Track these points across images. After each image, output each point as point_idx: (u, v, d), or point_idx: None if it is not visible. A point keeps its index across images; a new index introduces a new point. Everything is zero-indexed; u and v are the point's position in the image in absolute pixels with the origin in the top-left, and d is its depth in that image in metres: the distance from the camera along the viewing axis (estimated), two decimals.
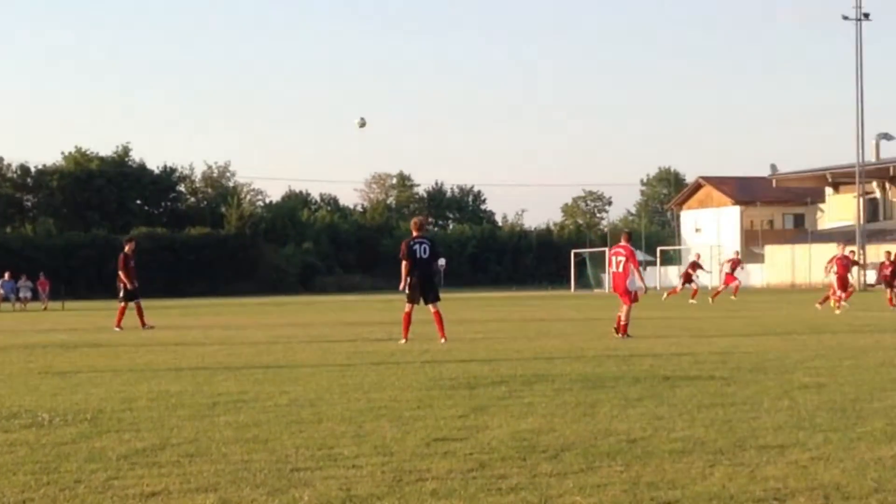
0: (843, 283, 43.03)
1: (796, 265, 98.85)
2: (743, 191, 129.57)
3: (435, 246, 26.01)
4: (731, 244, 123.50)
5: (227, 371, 18.61)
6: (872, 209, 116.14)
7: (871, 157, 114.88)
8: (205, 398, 14.49)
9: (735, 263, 58.27)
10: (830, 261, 44.31)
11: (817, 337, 25.66)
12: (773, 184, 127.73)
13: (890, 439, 10.36)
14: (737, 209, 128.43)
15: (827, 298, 43.79)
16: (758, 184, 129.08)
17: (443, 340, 24.92)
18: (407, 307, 25.58)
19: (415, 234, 25.60)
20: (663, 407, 12.90)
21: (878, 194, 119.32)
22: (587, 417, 12.17)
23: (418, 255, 25.31)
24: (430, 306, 25.46)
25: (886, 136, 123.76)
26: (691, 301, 55.31)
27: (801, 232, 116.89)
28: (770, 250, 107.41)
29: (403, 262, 25.32)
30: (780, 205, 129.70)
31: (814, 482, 8.55)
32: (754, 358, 19.58)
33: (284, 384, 16.16)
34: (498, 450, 10.17)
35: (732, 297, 57.08)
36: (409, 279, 25.32)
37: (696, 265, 59.08)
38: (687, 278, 59.21)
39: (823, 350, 21.23)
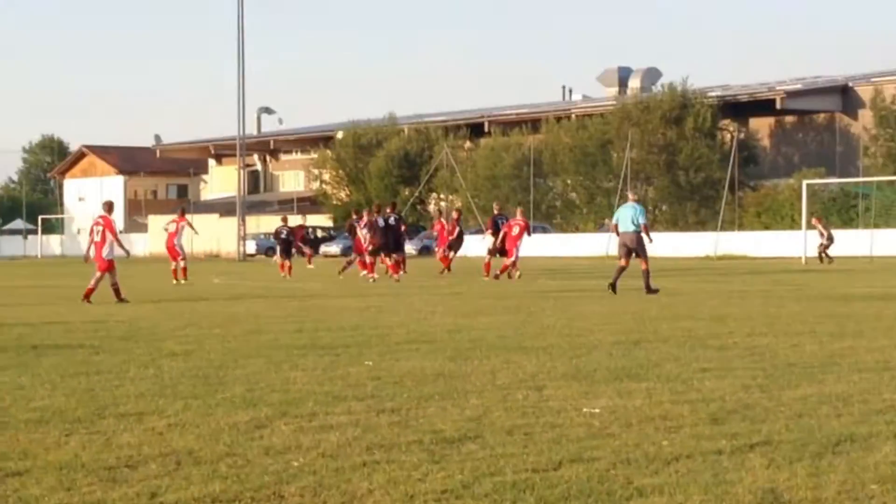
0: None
1: None
2: (127, 161, 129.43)
3: None
4: (117, 214, 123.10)
5: None
6: (254, 181, 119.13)
7: (252, 130, 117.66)
8: None
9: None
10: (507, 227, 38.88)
11: (192, 305, 25.96)
12: (158, 154, 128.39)
13: (247, 405, 10.59)
14: (121, 179, 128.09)
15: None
16: (142, 154, 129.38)
17: None
18: None
19: None
20: (26, 376, 12.66)
21: (259, 167, 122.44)
22: None
23: None
24: None
25: (268, 111, 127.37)
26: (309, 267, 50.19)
27: (185, 202, 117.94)
28: (153, 220, 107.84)
29: None
30: (164, 175, 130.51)
31: (167, 448, 8.61)
32: (127, 327, 19.56)
33: None
34: None
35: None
36: None
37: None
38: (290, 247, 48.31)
39: (196, 318, 21.46)
